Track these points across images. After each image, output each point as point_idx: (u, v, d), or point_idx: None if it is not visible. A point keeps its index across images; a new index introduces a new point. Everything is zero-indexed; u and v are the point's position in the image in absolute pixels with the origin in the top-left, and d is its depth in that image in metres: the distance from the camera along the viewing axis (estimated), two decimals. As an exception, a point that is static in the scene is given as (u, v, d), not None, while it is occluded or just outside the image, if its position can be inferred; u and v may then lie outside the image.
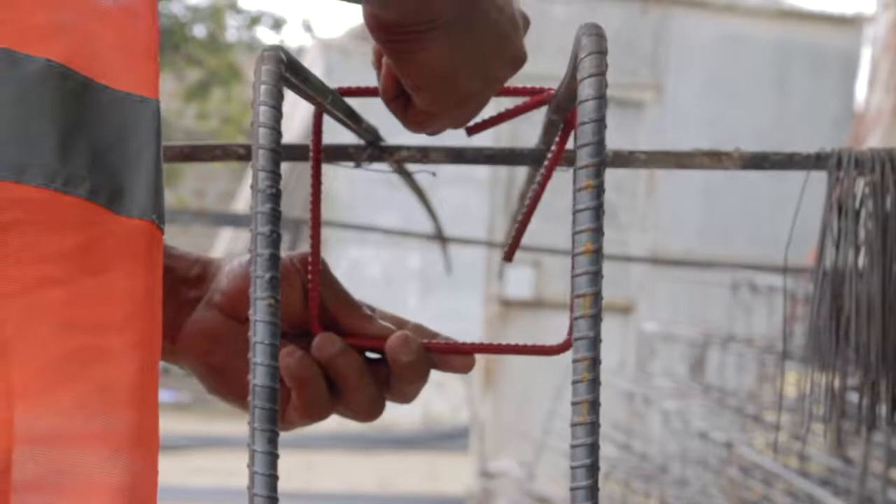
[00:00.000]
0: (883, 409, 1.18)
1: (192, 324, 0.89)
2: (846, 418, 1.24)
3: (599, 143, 0.52)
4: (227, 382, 0.92)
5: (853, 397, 1.21)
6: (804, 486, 3.79)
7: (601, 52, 0.53)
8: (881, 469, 3.50)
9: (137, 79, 0.70)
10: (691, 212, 8.08)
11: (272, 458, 0.53)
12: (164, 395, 12.22)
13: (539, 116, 0.99)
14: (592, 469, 0.49)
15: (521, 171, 1.13)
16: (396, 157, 1.09)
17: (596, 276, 0.50)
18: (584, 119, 0.52)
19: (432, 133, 0.92)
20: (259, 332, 0.56)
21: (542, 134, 0.98)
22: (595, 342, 0.50)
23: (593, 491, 0.50)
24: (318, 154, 0.95)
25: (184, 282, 0.90)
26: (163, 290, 0.74)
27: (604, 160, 0.52)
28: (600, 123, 0.52)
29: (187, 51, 13.72)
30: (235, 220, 5.98)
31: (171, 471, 9.13)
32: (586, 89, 0.52)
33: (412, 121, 0.89)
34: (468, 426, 8.97)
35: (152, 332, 0.65)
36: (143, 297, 0.65)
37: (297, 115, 10.39)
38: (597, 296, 0.50)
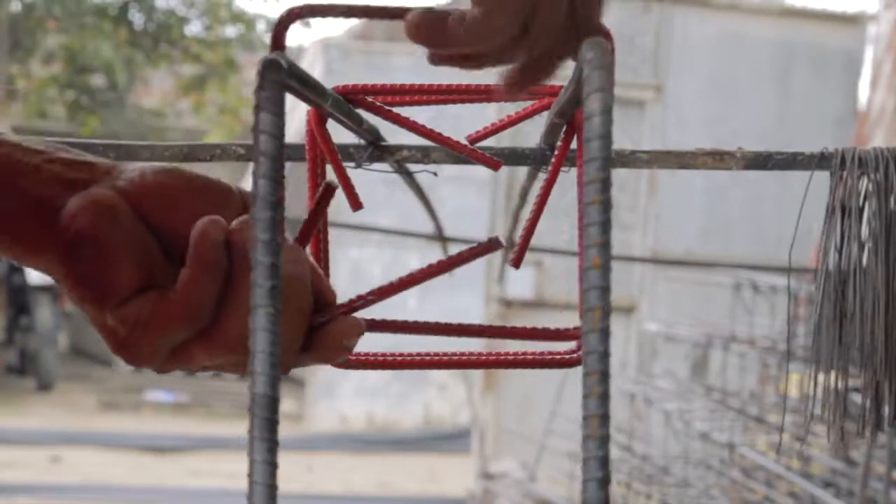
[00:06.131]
0: (886, 410, 1.18)
1: (84, 196, 0.73)
2: (849, 419, 1.23)
3: (606, 158, 0.51)
4: (96, 273, 0.73)
5: (856, 398, 1.20)
6: (806, 487, 3.78)
7: (607, 67, 0.53)
8: (884, 470, 3.49)
9: None
10: (693, 212, 8.07)
11: (271, 468, 0.53)
12: (162, 396, 12.22)
13: (540, 115, 0.98)
14: (604, 482, 0.49)
15: (522, 171, 1.12)
16: (397, 157, 1.08)
17: (605, 292, 0.50)
18: (590, 135, 0.52)
19: (535, 47, 0.75)
20: (259, 342, 0.54)
21: (545, 135, 0.97)
22: (605, 356, 0.50)
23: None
24: (335, 157, 0.94)
25: (69, 164, 0.76)
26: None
27: (610, 175, 0.51)
28: (607, 139, 0.52)
29: (184, 46, 13.72)
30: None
31: (169, 472, 9.13)
32: (592, 104, 0.52)
33: (484, 32, 0.73)
34: (469, 427, 8.97)
35: None
36: None
37: (296, 114, 10.36)
38: (606, 310, 0.50)
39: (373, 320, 0.84)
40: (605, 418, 0.49)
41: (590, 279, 0.50)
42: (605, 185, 0.51)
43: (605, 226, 0.51)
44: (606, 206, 0.51)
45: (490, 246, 0.78)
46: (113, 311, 0.72)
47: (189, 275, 0.72)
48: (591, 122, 0.52)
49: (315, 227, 0.88)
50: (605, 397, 0.49)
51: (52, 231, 0.73)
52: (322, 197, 0.86)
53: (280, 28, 0.87)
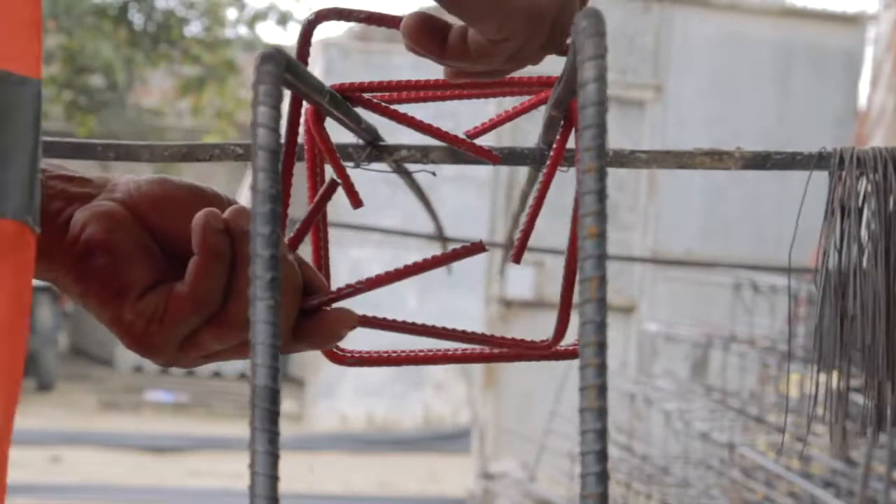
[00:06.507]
0: (887, 411, 1.18)
1: (89, 209, 0.80)
2: (849, 420, 1.23)
3: (601, 125, 0.51)
4: (105, 279, 0.79)
5: (856, 398, 1.20)
6: (806, 487, 3.78)
7: (600, 35, 0.52)
8: (884, 470, 3.49)
9: (14, 54, 0.59)
10: (693, 212, 8.07)
11: (273, 458, 0.53)
12: (162, 396, 12.22)
13: (539, 113, 0.98)
14: (602, 455, 0.49)
15: (522, 171, 1.12)
16: (396, 157, 1.08)
17: (601, 261, 0.50)
18: (585, 102, 0.51)
19: (516, 65, 0.82)
20: (260, 334, 0.54)
21: (543, 132, 0.97)
22: (602, 326, 0.49)
23: (603, 477, 0.49)
24: (334, 156, 0.94)
25: (70, 180, 0.81)
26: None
27: (605, 142, 0.51)
28: (602, 106, 0.51)
29: (183, 46, 13.72)
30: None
31: (169, 472, 9.13)
32: (587, 72, 0.52)
33: (486, 55, 0.79)
34: (469, 427, 8.97)
35: (14, 358, 0.59)
36: (8, 315, 0.58)
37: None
38: (602, 279, 0.50)
39: (364, 316, 0.86)
40: (602, 389, 0.49)
41: (585, 248, 0.50)
42: (601, 152, 0.50)
43: (601, 194, 0.50)
44: (602, 174, 0.50)
45: (474, 248, 0.80)
46: (130, 307, 0.78)
47: (198, 263, 0.77)
48: (585, 89, 0.51)
49: (315, 220, 0.89)
50: (602, 368, 0.49)
51: (60, 243, 0.79)
52: (325, 192, 0.86)
53: (307, 29, 0.88)
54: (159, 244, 0.81)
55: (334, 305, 0.83)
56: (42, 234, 0.77)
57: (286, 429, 10.39)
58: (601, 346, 0.49)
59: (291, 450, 9.41)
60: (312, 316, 0.81)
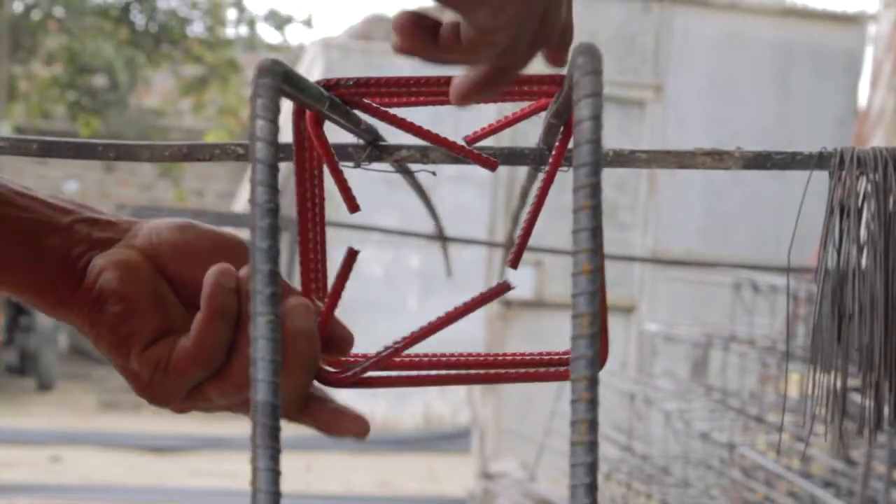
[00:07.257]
0: (886, 410, 1.18)
1: (108, 257, 0.82)
2: (849, 419, 1.23)
3: (596, 163, 0.51)
4: (121, 324, 0.80)
5: (856, 398, 1.20)
6: (806, 487, 3.78)
7: (597, 73, 0.53)
8: (884, 470, 3.49)
9: None
10: (693, 211, 8.07)
11: (275, 475, 0.53)
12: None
13: (537, 114, 0.98)
14: (591, 488, 0.49)
15: (522, 171, 1.12)
16: (396, 157, 1.08)
17: (593, 297, 0.50)
18: (580, 140, 0.52)
19: (507, 60, 0.78)
20: (260, 349, 0.54)
21: (543, 135, 0.97)
22: (593, 362, 0.50)
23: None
24: (332, 160, 0.94)
25: (94, 223, 0.83)
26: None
27: (600, 181, 0.52)
28: (596, 144, 0.52)
29: (185, 46, 13.73)
30: (235, 220, 5.98)
31: (170, 472, 9.13)
32: (582, 110, 0.52)
33: (479, 47, 0.76)
34: (469, 427, 8.97)
35: None
36: None
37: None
38: (594, 316, 0.50)
39: (371, 377, 0.86)
40: (593, 424, 0.49)
41: (579, 285, 0.50)
42: (595, 190, 0.51)
43: (595, 231, 0.51)
44: (596, 211, 0.51)
45: (500, 289, 0.82)
46: (136, 356, 0.80)
47: (202, 320, 0.79)
48: (580, 127, 0.52)
49: (340, 295, 0.88)
50: (593, 403, 0.50)
51: (78, 287, 0.81)
52: (346, 263, 0.86)
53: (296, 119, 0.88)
54: (177, 292, 0.82)
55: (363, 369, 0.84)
56: (62, 278, 0.80)
57: (286, 429, 10.36)
58: (593, 382, 0.49)
59: (291, 449, 9.40)
60: (327, 406, 0.84)
